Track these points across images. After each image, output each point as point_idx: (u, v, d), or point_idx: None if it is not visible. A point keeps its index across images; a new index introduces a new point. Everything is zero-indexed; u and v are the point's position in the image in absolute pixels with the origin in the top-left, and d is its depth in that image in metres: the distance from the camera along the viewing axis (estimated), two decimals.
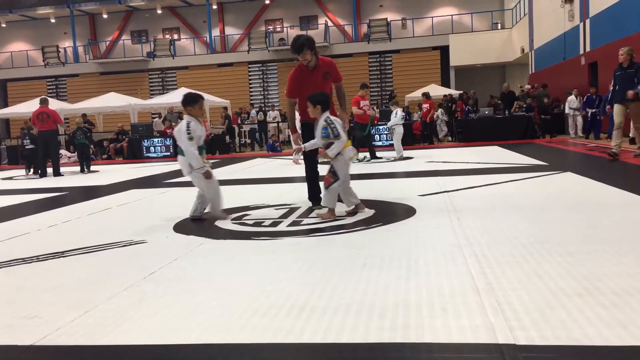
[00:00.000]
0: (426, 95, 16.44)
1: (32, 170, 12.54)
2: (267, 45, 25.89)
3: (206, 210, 5.14)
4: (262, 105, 24.75)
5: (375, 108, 12.97)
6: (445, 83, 24.37)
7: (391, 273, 2.99)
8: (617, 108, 8.46)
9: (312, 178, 5.49)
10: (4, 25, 28.63)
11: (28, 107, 19.79)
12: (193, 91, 5.24)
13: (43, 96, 12.99)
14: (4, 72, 28.13)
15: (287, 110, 5.84)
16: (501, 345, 1.98)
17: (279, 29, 27.54)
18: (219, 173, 6.52)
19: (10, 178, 12.22)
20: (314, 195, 5.46)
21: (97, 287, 3.07)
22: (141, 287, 3.03)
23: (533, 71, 22.25)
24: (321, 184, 5.11)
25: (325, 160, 4.79)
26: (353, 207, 4.92)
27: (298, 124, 5.58)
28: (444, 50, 24.87)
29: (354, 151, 4.85)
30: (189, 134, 4.77)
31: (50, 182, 10.55)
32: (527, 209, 4.76)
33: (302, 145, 5.03)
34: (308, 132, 5.20)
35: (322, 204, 4.94)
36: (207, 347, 2.17)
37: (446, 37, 24.71)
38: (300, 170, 10.06)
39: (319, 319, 2.36)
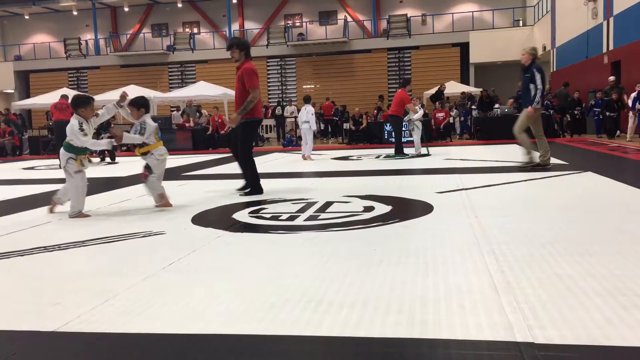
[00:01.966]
0: (442, 105, 16.53)
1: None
2: (286, 40, 25.90)
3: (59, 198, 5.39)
4: (280, 100, 24.79)
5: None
6: (464, 80, 24.17)
7: (408, 269, 2.99)
8: None
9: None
10: (27, 17, 29.01)
11: (50, 99, 20.05)
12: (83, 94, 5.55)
13: (64, 93, 13.19)
14: (26, 63, 28.53)
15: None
16: (519, 343, 1.97)
17: (298, 24, 27.53)
18: (236, 167, 6.55)
19: (32, 168, 12.42)
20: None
21: (118, 276, 3.12)
22: (160, 277, 3.07)
23: (555, 69, 21.97)
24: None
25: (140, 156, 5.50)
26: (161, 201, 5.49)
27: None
28: (464, 47, 24.66)
29: (166, 150, 5.57)
30: (82, 131, 5.13)
31: None
32: (547, 208, 4.72)
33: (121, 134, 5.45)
34: (230, 132, 6.38)
35: (150, 194, 5.52)
36: (226, 338, 2.20)
37: (466, 34, 24.49)
38: (314, 165, 10.08)
39: (336, 313, 2.37)
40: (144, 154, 5.45)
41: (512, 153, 10.59)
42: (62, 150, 5.20)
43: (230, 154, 6.66)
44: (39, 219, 5.16)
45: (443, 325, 2.18)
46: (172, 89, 25.08)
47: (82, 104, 5.23)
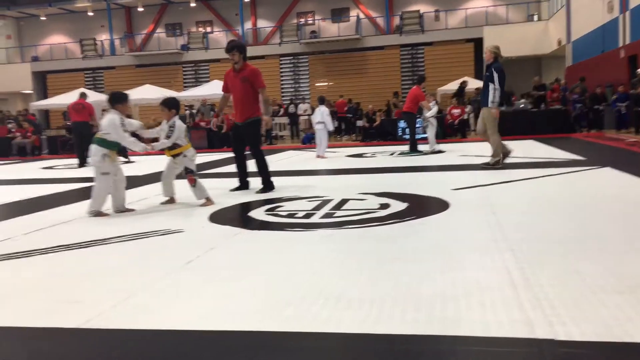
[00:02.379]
0: (459, 101, 16.44)
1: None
2: (298, 38, 25.90)
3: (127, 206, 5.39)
4: (293, 98, 24.80)
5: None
6: (478, 76, 23.95)
7: (425, 266, 2.98)
8: None
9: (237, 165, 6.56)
10: (43, 18, 29.33)
11: (67, 99, 20.25)
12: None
13: (82, 91, 13.34)
14: (44, 64, 28.85)
15: (220, 100, 6.95)
16: (540, 340, 1.97)
17: (310, 22, 27.51)
18: (252, 165, 6.58)
19: (51, 167, 12.57)
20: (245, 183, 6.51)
21: (137, 273, 3.16)
22: (179, 274, 3.10)
23: (570, 64, 21.72)
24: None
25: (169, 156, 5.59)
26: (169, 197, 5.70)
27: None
28: (478, 43, 24.45)
29: (194, 151, 5.70)
30: (123, 126, 5.21)
31: (88, 171, 10.81)
32: (564, 205, 4.68)
33: (152, 145, 5.65)
34: (232, 133, 6.56)
35: (198, 199, 5.59)
36: (245, 334, 2.22)
37: (480, 29, 24.27)
38: (328, 163, 10.08)
39: (354, 310, 2.38)
40: (175, 156, 5.52)
41: (529, 149, 10.51)
42: (94, 147, 5.15)
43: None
44: (60, 218, 5.22)
45: (462, 322, 2.18)
46: (186, 88, 25.20)
47: (120, 100, 5.29)
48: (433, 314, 2.27)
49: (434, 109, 11.17)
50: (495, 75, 7.37)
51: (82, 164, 12.00)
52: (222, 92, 6.62)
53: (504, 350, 1.95)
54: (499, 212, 4.40)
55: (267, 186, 6.35)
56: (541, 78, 19.66)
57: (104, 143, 5.14)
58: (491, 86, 7.39)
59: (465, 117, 17.00)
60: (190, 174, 5.49)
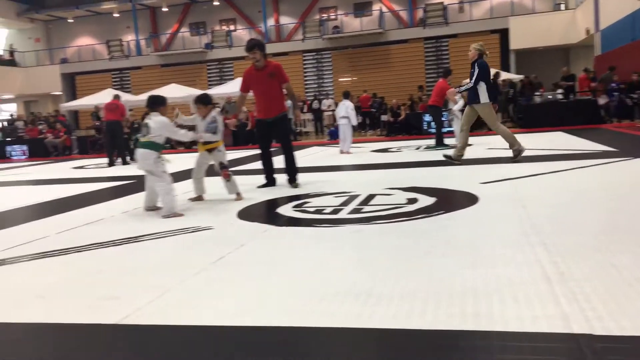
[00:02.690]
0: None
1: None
2: (321, 34, 25.85)
3: (158, 204, 5.27)
4: (317, 93, 24.81)
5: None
6: (505, 67, 23.61)
7: (456, 261, 2.97)
8: None
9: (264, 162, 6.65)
10: (71, 20, 29.86)
11: (95, 99, 20.65)
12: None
13: (116, 93, 13.76)
14: (72, 65, 29.37)
15: (237, 100, 7.20)
16: (577, 335, 1.95)
17: (333, 17, 27.44)
18: (280, 161, 6.63)
19: (82, 167, 12.84)
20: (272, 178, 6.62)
21: (171, 270, 3.21)
22: (211, 271, 3.14)
23: (599, 53, 21.24)
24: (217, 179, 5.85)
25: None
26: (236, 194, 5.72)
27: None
28: (504, 34, 24.08)
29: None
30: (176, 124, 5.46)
31: (118, 170, 11.03)
32: (597, 197, 4.60)
33: (200, 135, 5.68)
34: (259, 129, 6.57)
35: (230, 193, 5.72)
36: (277, 330, 2.24)
37: (506, 20, 23.89)
38: (354, 158, 10.07)
39: (386, 306, 2.39)
40: (210, 151, 5.63)
41: (558, 141, 10.34)
42: (143, 151, 5.11)
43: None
44: (92, 216, 5.33)
45: (496, 317, 2.17)
46: (210, 86, 25.40)
47: (162, 103, 5.34)
48: (466, 310, 2.26)
49: (460, 102, 11.05)
50: (476, 71, 7.40)
51: (112, 163, 12.23)
52: (241, 92, 6.68)
53: (539, 345, 1.93)
54: (529, 205, 4.35)
55: (296, 179, 6.51)
56: (569, 68, 19.27)
57: (152, 146, 5.11)
58: (481, 83, 7.43)
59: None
60: (225, 169, 5.59)
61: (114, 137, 12.38)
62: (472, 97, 7.59)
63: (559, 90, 16.52)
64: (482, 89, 7.41)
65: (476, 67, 7.46)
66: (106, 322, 2.43)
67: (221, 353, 2.08)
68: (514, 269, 2.75)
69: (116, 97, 13.01)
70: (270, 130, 6.52)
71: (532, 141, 10.79)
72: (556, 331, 2.00)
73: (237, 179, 5.81)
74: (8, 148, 19.19)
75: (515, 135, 7.64)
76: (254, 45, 6.27)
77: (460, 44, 24.79)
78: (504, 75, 20.53)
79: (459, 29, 24.76)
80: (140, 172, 5.35)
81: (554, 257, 2.89)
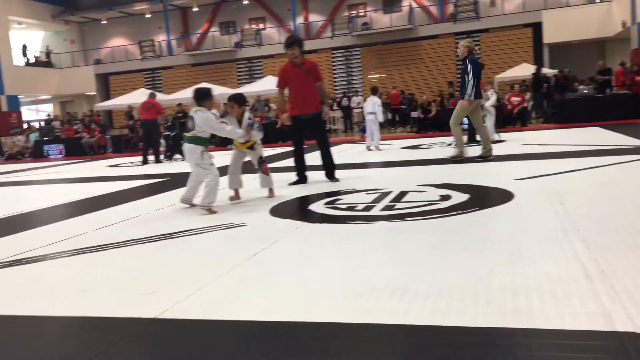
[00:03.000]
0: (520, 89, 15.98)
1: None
2: (350, 31, 25.80)
3: (194, 201, 5.37)
4: (346, 91, 24.76)
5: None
6: (538, 62, 23.15)
7: (493, 258, 2.93)
8: None
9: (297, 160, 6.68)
10: (104, 22, 30.51)
11: (129, 99, 21.06)
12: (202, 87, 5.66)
13: (152, 91, 14.01)
14: (105, 66, 30.01)
15: (277, 97, 7.03)
16: (621, 332, 1.90)
17: (362, 14, 27.35)
18: (311, 159, 6.65)
19: (116, 165, 13.10)
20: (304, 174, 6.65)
21: (206, 266, 3.26)
22: (246, 267, 3.17)
23: (636, 46, 20.64)
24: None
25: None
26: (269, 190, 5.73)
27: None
28: (537, 28, 23.62)
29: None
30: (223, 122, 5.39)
31: (152, 169, 11.22)
32: (636, 194, 4.48)
33: (251, 133, 5.58)
34: (295, 126, 6.59)
35: (263, 187, 5.76)
36: (314, 326, 2.25)
37: (539, 13, 23.43)
38: (384, 155, 10.02)
39: (422, 302, 2.37)
40: (249, 148, 5.61)
41: (594, 136, 10.10)
42: (189, 146, 5.17)
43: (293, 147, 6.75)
44: (128, 213, 5.44)
45: (536, 314, 2.14)
46: (240, 85, 25.62)
47: (207, 97, 5.27)
48: (505, 307, 2.23)
49: (493, 98, 10.88)
50: (470, 67, 7.45)
51: (146, 162, 12.46)
52: (278, 88, 6.68)
53: (581, 343, 1.90)
54: (566, 202, 4.26)
55: (334, 174, 6.61)
56: (605, 62, 18.77)
57: (198, 140, 5.14)
58: (466, 78, 7.47)
59: (526, 105, 16.47)
60: (264, 163, 5.62)
61: (150, 136, 12.62)
62: (462, 92, 7.73)
63: (585, 87, 16.13)
64: (471, 84, 7.47)
65: (468, 63, 7.52)
66: (146, 316, 2.48)
67: (257, 348, 2.10)
68: (553, 265, 2.70)
69: (151, 95, 13.21)
70: (304, 127, 6.56)
71: (568, 136, 10.58)
72: (598, 329, 1.96)
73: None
74: (45, 147, 19.71)
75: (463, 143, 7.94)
76: (293, 42, 6.33)
77: (492, 38, 24.44)
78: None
79: (490, 23, 24.39)
80: (175, 170, 5.42)
81: (594, 254, 2.83)
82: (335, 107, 21.38)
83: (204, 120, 5.13)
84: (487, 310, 2.22)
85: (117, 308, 2.63)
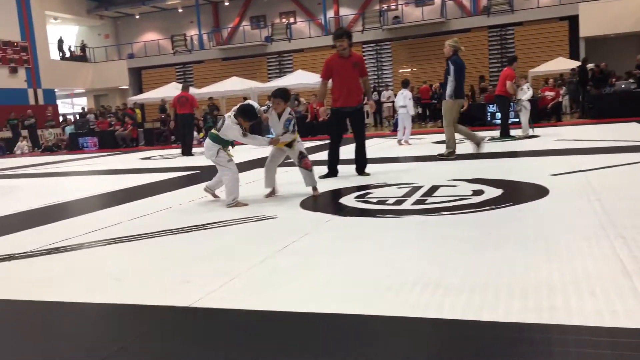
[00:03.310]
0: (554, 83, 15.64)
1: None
2: (381, 24, 25.61)
3: (217, 192, 5.50)
4: (377, 85, 24.62)
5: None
6: (573, 56, 22.62)
7: (528, 254, 2.88)
8: None
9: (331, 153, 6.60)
10: (137, 16, 30.98)
11: (161, 93, 21.35)
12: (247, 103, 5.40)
13: (186, 84, 14.15)
14: (138, 60, 30.48)
15: (320, 88, 6.97)
16: None
17: (393, 7, 27.11)
18: (341, 153, 6.63)
19: (149, 158, 13.32)
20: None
21: (238, 257, 3.29)
22: (277, 259, 3.19)
23: None
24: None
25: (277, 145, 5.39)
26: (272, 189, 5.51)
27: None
28: (573, 21, 23.04)
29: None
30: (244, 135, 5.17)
31: (183, 161, 11.37)
32: None
33: (278, 138, 5.39)
34: (337, 119, 6.55)
35: (308, 185, 5.45)
36: (346, 318, 2.25)
37: (575, 6, 22.85)
38: (414, 150, 9.93)
39: (455, 297, 2.35)
40: (287, 145, 5.40)
41: (631, 132, 9.82)
42: (209, 141, 5.23)
43: (329, 140, 6.73)
44: (161, 204, 5.52)
45: (573, 311, 2.09)
46: (270, 79, 25.72)
47: (246, 117, 5.09)
48: (541, 303, 2.19)
49: (529, 93, 10.65)
50: (452, 68, 7.50)
51: (185, 153, 12.73)
52: (321, 79, 6.70)
53: (619, 341, 1.85)
54: (604, 198, 4.15)
55: (365, 169, 6.57)
56: None
57: (217, 139, 5.16)
58: (449, 78, 7.53)
59: (560, 100, 16.11)
60: (305, 158, 5.39)
61: (186, 129, 12.91)
62: (444, 92, 7.85)
63: (623, 81, 15.66)
64: (452, 85, 7.57)
65: (450, 64, 7.56)
66: (179, 304, 2.52)
67: (287, 338, 2.10)
68: (591, 262, 2.64)
69: (185, 88, 13.34)
70: (345, 120, 6.56)
71: (604, 132, 10.31)
72: (637, 326, 1.90)
73: (296, 169, 5.78)
74: (80, 140, 20.15)
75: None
76: (343, 34, 6.35)
77: (527, 32, 23.97)
78: (573, 64, 19.67)
79: (525, 16, 23.91)
80: (207, 163, 5.46)
81: (634, 251, 2.75)
82: (364, 102, 21.30)
83: (228, 129, 5.08)
84: (522, 306, 2.18)
85: (151, 296, 2.67)
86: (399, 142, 11.08)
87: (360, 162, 6.60)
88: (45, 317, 2.59)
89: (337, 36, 6.36)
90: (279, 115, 5.31)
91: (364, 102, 6.76)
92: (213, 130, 5.27)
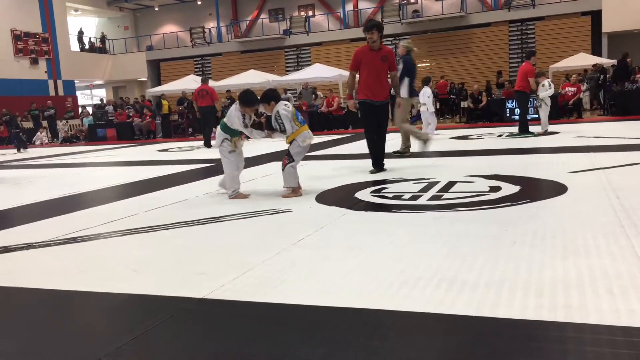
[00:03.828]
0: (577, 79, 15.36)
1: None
2: (400, 18, 25.43)
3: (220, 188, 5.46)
4: None
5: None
6: (596, 51, 22.26)
7: (545, 251, 2.85)
8: None
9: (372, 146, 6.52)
10: (157, 8, 31.16)
11: (178, 85, 21.47)
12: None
13: (204, 77, 14.26)
14: (157, 52, 30.68)
15: (348, 80, 6.94)
16: None
17: (413, 1, 26.89)
18: (357, 147, 6.60)
19: (166, 150, 13.41)
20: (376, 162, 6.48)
21: (253, 250, 3.30)
22: (292, 252, 3.19)
23: None
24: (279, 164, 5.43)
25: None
26: (290, 189, 5.21)
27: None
28: (596, 16, 22.66)
29: (310, 134, 5.25)
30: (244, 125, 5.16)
31: (200, 154, 11.43)
32: None
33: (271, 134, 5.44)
34: (368, 111, 6.41)
35: (283, 185, 5.24)
36: (360, 312, 2.24)
37: (598, 1, 22.43)
38: (432, 145, 9.85)
39: (470, 293, 2.33)
40: (290, 143, 5.23)
41: None
42: (218, 129, 5.33)
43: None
44: (177, 196, 5.56)
45: (590, 310, 2.06)
46: (288, 72, 25.71)
47: (248, 104, 5.12)
48: (556, 300, 2.17)
49: (550, 91, 10.47)
50: (400, 67, 7.86)
51: (206, 144, 12.85)
52: (350, 70, 6.61)
53: (636, 340, 1.82)
54: (623, 196, 4.09)
55: (382, 167, 6.49)
56: None
57: (226, 128, 5.20)
58: (405, 78, 7.93)
59: (581, 96, 15.86)
60: (286, 157, 5.17)
61: (207, 122, 13.05)
62: (397, 90, 8.00)
63: None
64: (404, 83, 7.93)
65: (401, 64, 7.92)
66: (194, 295, 2.54)
67: (300, 331, 2.11)
68: (608, 260, 2.60)
69: (204, 80, 13.49)
70: (374, 113, 6.46)
71: (625, 129, 10.14)
72: None
73: (312, 163, 5.79)
74: (99, 131, 20.36)
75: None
76: (373, 26, 6.24)
77: (548, 27, 23.63)
78: (594, 60, 19.36)
79: (546, 11, 23.56)
80: (418, 149, 5.30)
81: None
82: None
83: (230, 117, 5.15)
84: (537, 303, 2.16)
85: (167, 287, 2.69)
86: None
87: (379, 157, 6.53)
88: (62, 306, 2.63)
89: (367, 28, 6.25)
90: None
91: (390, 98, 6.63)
92: (223, 119, 5.31)
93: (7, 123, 18.50)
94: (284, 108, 5.14)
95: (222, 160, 5.29)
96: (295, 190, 5.16)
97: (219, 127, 5.33)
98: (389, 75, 6.51)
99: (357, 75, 6.55)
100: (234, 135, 5.22)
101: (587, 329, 1.92)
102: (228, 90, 20.16)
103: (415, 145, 8.00)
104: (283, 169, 5.19)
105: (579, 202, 4.06)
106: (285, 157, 5.21)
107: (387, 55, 6.34)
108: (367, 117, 6.52)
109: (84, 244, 3.78)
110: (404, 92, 7.87)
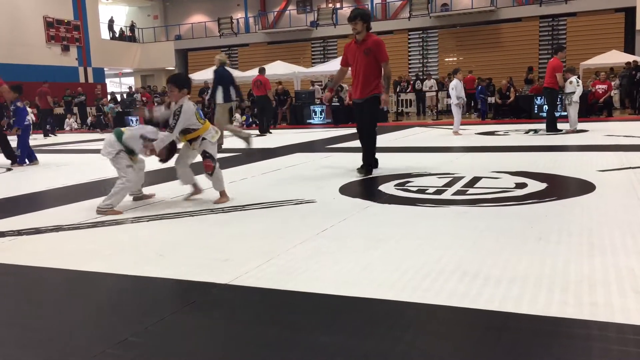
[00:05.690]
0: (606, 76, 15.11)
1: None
2: (428, 12, 25.15)
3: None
4: (420, 73, 24.27)
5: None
6: (629, 49, 21.73)
7: (571, 249, 2.82)
8: None
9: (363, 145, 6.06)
10: None
11: (205, 75, 21.60)
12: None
13: (261, 66, 14.88)
14: (185, 42, 30.92)
15: (336, 74, 6.79)
16: None
17: None
18: (380, 140, 6.58)
19: None
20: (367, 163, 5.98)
21: (277, 238, 3.33)
22: (315, 242, 3.21)
23: None
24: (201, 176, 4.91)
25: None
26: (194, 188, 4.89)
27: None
28: (630, 12, 22.10)
29: (215, 130, 4.71)
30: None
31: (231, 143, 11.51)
32: None
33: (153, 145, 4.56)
34: (355, 111, 6.09)
35: (214, 189, 4.69)
36: (382, 302, 2.26)
37: None
38: (457, 140, 9.78)
39: (494, 288, 2.32)
40: (192, 141, 4.60)
41: None
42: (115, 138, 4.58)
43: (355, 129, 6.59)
44: (202, 184, 5.60)
45: (616, 308, 2.04)
46: (314, 64, 25.69)
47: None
48: (582, 298, 2.15)
49: (579, 89, 10.24)
50: (214, 77, 9.74)
51: (263, 132, 13.17)
52: (340, 66, 6.23)
53: None
54: None
55: (369, 169, 5.90)
56: None
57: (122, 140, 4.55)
58: (218, 87, 9.57)
59: (612, 94, 15.51)
60: (209, 159, 4.54)
61: (262, 110, 13.72)
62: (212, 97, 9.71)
63: None
64: (219, 91, 9.60)
65: (214, 74, 9.66)
66: (219, 281, 2.58)
67: (322, 320, 2.13)
68: (636, 260, 2.57)
69: (261, 71, 14.06)
70: (357, 112, 6.03)
71: None
72: None
73: (336, 155, 5.78)
74: (127, 118, 20.66)
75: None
76: (356, 15, 5.72)
77: (580, 23, 23.15)
78: (627, 58, 18.91)
79: (579, 6, 23.06)
80: (243, 146, 5.45)
81: None
82: (409, 90, 21.06)
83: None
84: (562, 300, 2.14)
85: (192, 272, 2.74)
86: (454, 132, 10.85)
87: (364, 157, 5.95)
88: (91, 287, 2.70)
89: (350, 18, 5.74)
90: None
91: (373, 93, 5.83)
92: (120, 128, 4.81)
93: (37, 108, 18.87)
94: (190, 104, 4.48)
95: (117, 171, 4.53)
96: (223, 194, 4.64)
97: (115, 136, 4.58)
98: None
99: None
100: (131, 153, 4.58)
101: (612, 328, 1.90)
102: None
103: (238, 143, 8.58)
104: (211, 174, 4.56)
105: (607, 200, 4.00)
106: (207, 160, 4.54)
107: (371, 47, 5.71)
108: (355, 116, 6.22)
109: (111, 227, 3.86)
110: (219, 98, 9.55)
